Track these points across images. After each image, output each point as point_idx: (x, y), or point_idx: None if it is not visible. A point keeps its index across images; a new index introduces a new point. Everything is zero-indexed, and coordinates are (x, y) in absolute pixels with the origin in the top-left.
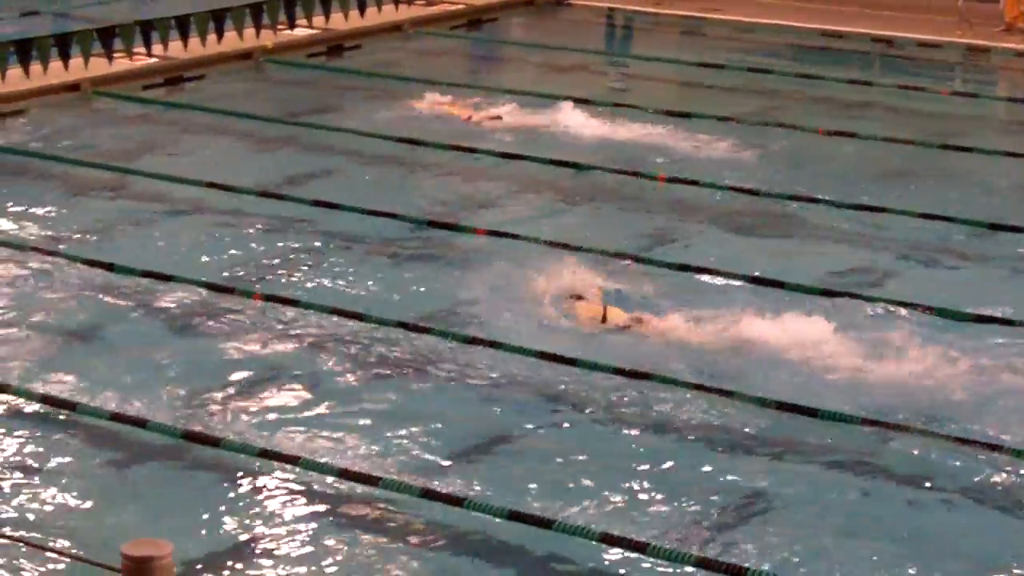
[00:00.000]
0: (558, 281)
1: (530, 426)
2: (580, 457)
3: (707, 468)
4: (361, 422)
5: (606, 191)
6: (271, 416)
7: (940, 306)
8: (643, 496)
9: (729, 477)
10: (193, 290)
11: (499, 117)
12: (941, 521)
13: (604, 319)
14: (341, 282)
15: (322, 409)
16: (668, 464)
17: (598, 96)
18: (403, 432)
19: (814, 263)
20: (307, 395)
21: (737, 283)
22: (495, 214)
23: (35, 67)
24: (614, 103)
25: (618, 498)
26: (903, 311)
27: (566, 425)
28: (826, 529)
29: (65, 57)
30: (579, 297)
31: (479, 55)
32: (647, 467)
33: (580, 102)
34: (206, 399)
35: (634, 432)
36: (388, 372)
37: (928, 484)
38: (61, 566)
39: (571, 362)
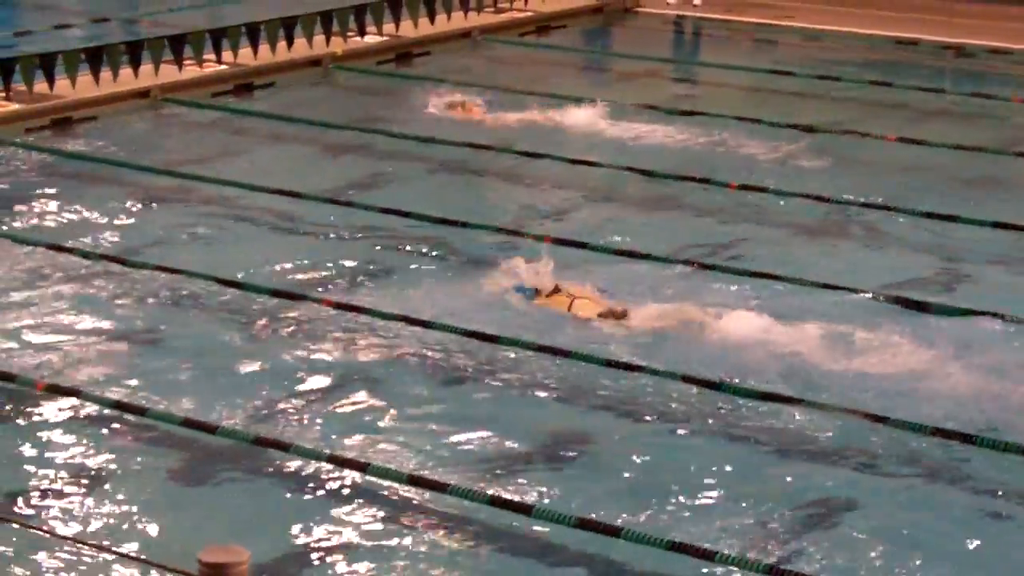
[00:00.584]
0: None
1: (598, 433)
2: (649, 464)
3: (779, 476)
4: (429, 427)
5: (675, 197)
6: (340, 422)
7: (1015, 315)
8: (713, 504)
9: (802, 484)
10: (262, 297)
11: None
12: (1015, 539)
13: (569, 308)
14: (410, 290)
15: (391, 415)
16: (739, 471)
17: (666, 103)
18: (471, 438)
19: (884, 270)
20: (375, 401)
21: (807, 290)
22: (562, 221)
23: (105, 74)
24: (683, 110)
25: (687, 505)
26: (979, 319)
27: (635, 432)
28: (899, 541)
29: (136, 64)
30: (556, 290)
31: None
32: (718, 474)
33: (648, 108)
34: (276, 405)
35: (705, 439)
36: (456, 378)
37: (1003, 497)
38: (136, 572)
39: (638, 368)
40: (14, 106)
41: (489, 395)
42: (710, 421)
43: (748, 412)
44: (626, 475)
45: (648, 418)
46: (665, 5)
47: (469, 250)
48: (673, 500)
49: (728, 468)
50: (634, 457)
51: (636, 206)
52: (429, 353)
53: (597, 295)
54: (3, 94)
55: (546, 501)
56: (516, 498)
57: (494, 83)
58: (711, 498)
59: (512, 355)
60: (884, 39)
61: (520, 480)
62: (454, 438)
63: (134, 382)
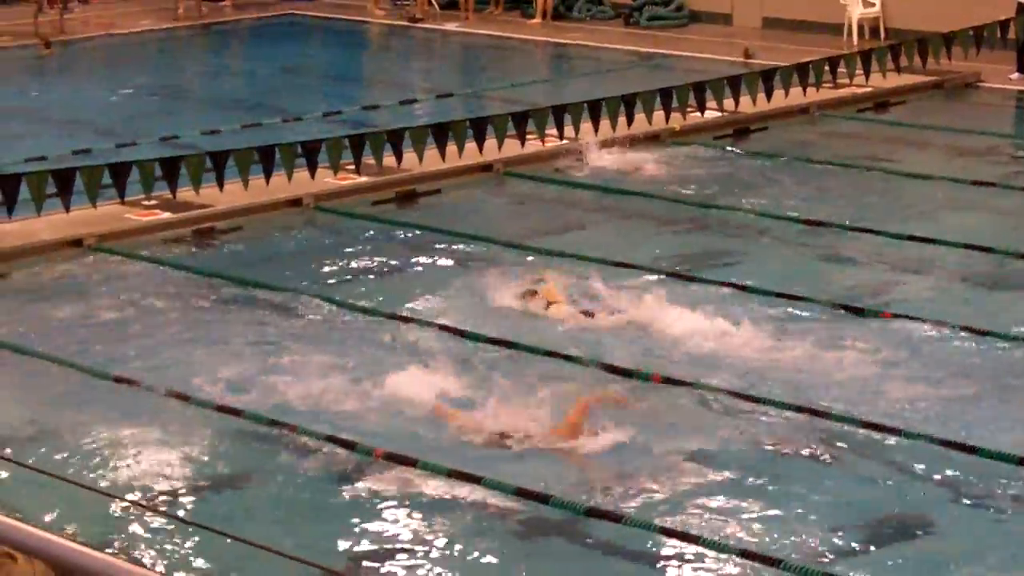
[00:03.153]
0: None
1: (936, 514)
2: (993, 547)
3: None
4: (761, 503)
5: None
6: (674, 495)
7: None
8: None
9: None
10: (598, 372)
11: None
12: None
13: (548, 306)
14: (733, 360)
15: (724, 489)
16: None
17: (1005, 179)
18: (808, 516)
19: None
20: (708, 472)
21: None
22: (909, 294)
23: (450, 148)
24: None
25: None
26: None
27: (970, 513)
28: None
29: (480, 139)
30: (533, 293)
31: None
32: None
33: (984, 185)
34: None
35: None
36: (788, 452)
37: None
38: None
39: (971, 450)
40: (363, 179)
41: (824, 470)
42: None
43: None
44: (970, 557)
45: (986, 499)
46: (1007, 80)
47: (816, 325)
48: None
49: None
50: (977, 538)
51: (973, 283)
52: (759, 424)
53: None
54: (353, 167)
55: None
56: None
57: (830, 157)
58: None
59: (853, 431)
60: None
61: (859, 559)
62: (789, 513)
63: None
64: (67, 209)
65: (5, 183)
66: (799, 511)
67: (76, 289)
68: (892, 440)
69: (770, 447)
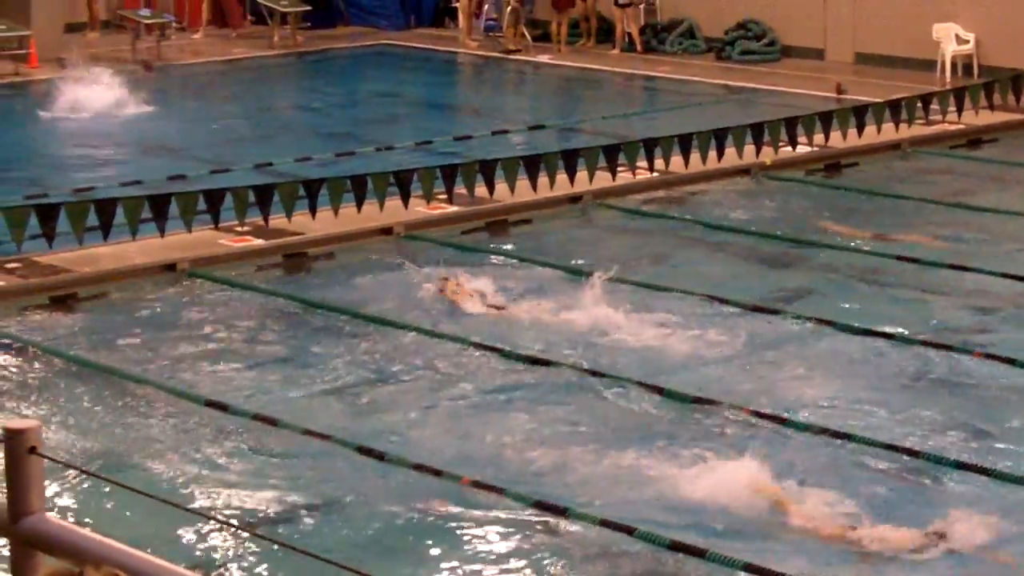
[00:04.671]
0: None
1: None
2: None
3: None
4: None
5: None
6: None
7: None
8: None
9: None
10: (677, 403)
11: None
12: None
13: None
14: (823, 397)
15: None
16: None
17: None
18: None
19: None
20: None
21: None
22: (998, 337)
23: (541, 179)
24: None
25: None
26: None
27: None
28: None
29: (571, 170)
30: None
31: None
32: None
33: None
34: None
35: None
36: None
37: None
38: None
39: None
40: (454, 208)
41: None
42: None
43: None
44: None
45: None
46: None
47: (904, 363)
48: None
49: None
50: None
51: None
52: (881, 468)
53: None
54: (445, 197)
55: None
56: None
57: (921, 194)
58: None
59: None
60: None
61: None
62: None
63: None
64: (162, 234)
65: (102, 207)
66: None
67: (169, 313)
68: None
69: None
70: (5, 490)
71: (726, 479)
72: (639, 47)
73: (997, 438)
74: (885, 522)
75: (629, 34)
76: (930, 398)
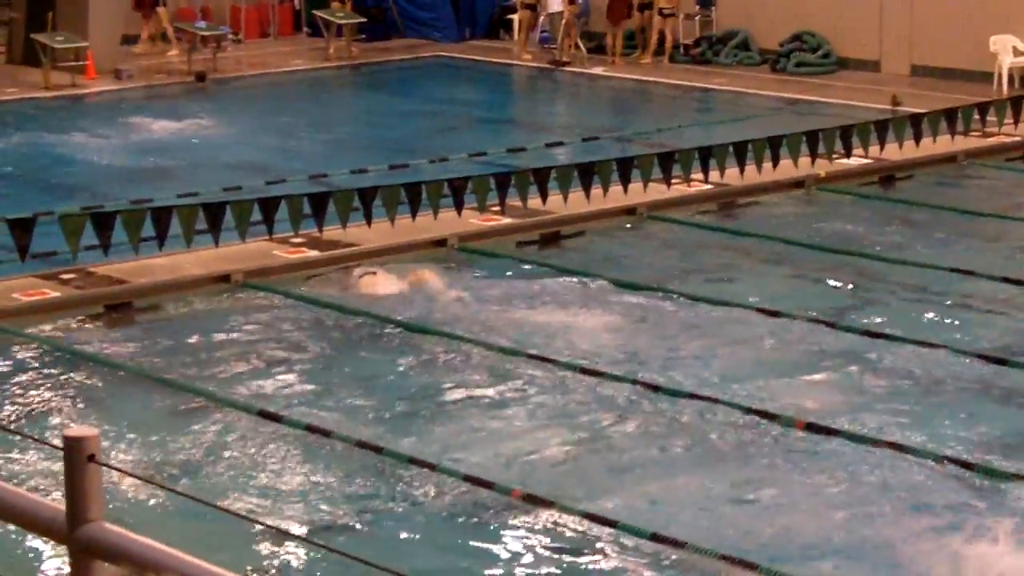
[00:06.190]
0: None
1: None
2: None
3: None
4: None
5: None
6: None
7: None
8: None
9: None
10: (734, 413)
11: None
12: None
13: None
14: (885, 416)
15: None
16: None
17: None
18: None
19: None
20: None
21: None
22: None
23: (595, 190)
24: None
25: None
26: None
27: None
28: None
29: (625, 181)
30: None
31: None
32: None
33: None
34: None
35: None
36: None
37: None
38: None
39: None
40: (507, 220)
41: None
42: None
43: None
44: None
45: None
46: None
47: (954, 379)
48: None
49: None
50: None
51: None
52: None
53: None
54: (498, 208)
55: None
56: None
57: (976, 206)
58: None
59: None
60: None
61: None
62: None
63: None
64: (216, 243)
65: (157, 216)
66: None
67: (223, 324)
68: None
69: None
70: (64, 498)
71: None
72: (666, 56)
73: None
74: None
75: (662, 42)
76: (990, 409)
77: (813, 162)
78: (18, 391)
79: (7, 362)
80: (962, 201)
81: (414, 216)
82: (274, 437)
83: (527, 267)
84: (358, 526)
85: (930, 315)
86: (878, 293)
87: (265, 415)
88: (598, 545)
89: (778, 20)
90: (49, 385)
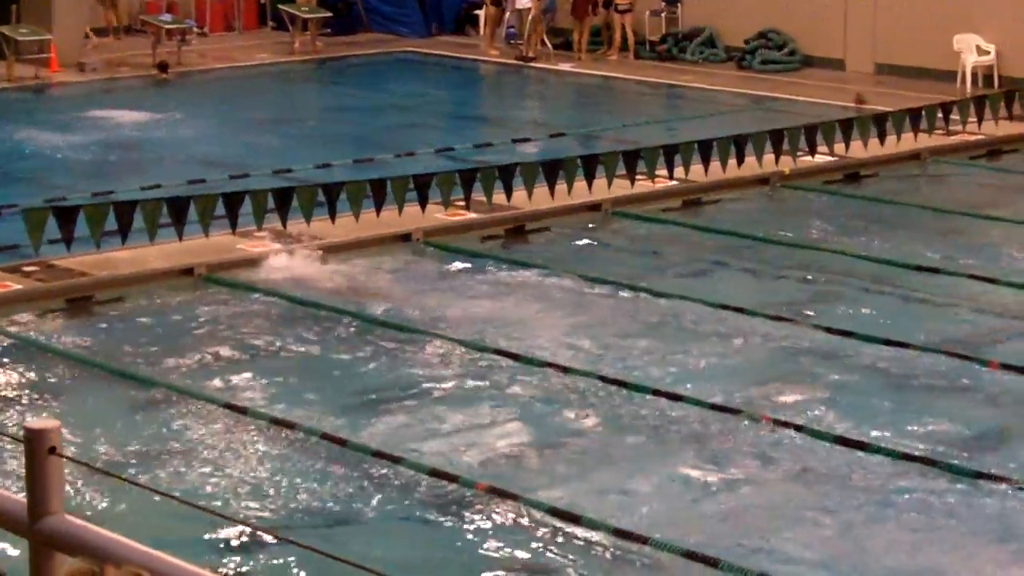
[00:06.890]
0: None
1: None
2: None
3: None
4: None
5: None
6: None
7: None
8: None
9: None
10: (702, 410)
11: None
12: None
13: None
14: (849, 411)
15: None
16: None
17: None
18: None
19: None
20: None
21: None
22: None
23: (560, 186)
24: None
25: None
26: None
27: None
28: None
29: (589, 177)
30: None
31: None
32: None
33: None
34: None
35: None
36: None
37: None
38: None
39: None
40: (473, 215)
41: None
42: None
43: None
44: None
45: None
46: None
47: (915, 374)
48: None
49: None
50: None
51: None
52: (873, 477)
53: None
54: (463, 203)
55: None
56: None
57: (940, 204)
58: None
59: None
60: None
61: None
62: None
63: None
64: (180, 237)
65: (120, 210)
66: None
67: (186, 317)
68: None
69: None
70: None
71: None
72: (631, 52)
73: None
74: None
75: (624, 38)
76: (936, 403)
77: (778, 159)
78: None
79: None
80: (926, 198)
81: (379, 211)
82: (238, 430)
83: (491, 262)
84: (322, 519)
85: (893, 311)
86: (842, 288)
87: (229, 407)
88: (559, 539)
89: (744, 17)
90: (10, 378)
